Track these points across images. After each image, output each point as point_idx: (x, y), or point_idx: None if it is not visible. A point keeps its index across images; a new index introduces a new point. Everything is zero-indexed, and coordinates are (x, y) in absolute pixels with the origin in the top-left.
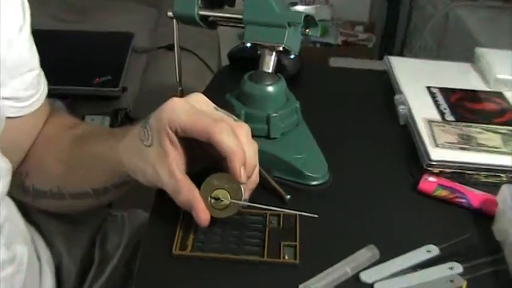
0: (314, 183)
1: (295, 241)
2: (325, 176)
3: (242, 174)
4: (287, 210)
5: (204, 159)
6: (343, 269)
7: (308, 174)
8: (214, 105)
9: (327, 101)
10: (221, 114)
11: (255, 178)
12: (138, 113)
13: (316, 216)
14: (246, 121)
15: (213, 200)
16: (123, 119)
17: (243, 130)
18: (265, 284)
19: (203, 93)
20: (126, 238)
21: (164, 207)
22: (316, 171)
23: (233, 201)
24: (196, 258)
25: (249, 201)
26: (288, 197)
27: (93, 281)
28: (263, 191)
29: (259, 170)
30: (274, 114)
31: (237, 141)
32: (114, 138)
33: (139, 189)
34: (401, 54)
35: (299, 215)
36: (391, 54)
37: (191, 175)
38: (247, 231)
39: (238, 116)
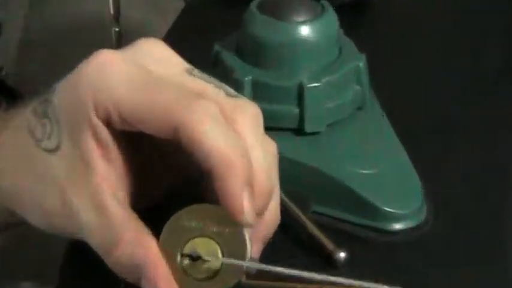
0: (397, 226)
1: None
2: (418, 212)
3: (245, 205)
4: (342, 281)
5: (169, 177)
6: None
7: (385, 209)
8: (187, 64)
9: (421, 54)
10: (201, 83)
11: (273, 215)
12: (25, 80)
13: None
14: (254, 98)
15: (186, 261)
16: None
17: (246, 116)
18: None
19: (164, 39)
20: None
21: (82, 278)
22: (402, 204)
23: (228, 261)
24: None
25: (262, 263)
26: (343, 254)
27: None
28: (292, 242)
29: (282, 199)
30: (312, 84)
31: (235, 139)
32: None
33: (29, 240)
34: None
35: None
36: None
37: (142, 211)
38: None
39: (237, 87)
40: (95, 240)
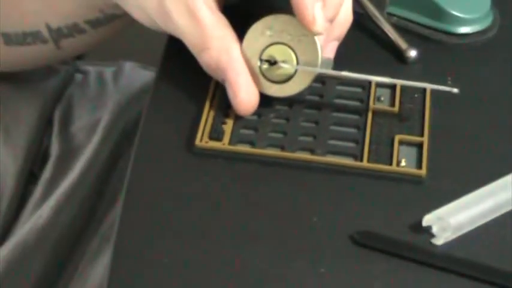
0: (464, 30)
1: (422, 135)
2: (486, 17)
3: (317, 15)
4: (408, 83)
5: None
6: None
7: (453, 13)
8: None
9: None
10: None
11: (346, 16)
12: None
13: (456, 91)
14: None
15: (265, 65)
16: None
17: None
18: (362, 209)
19: None
20: (109, 113)
21: (181, 67)
22: (470, 8)
23: (301, 68)
24: (236, 157)
25: (336, 65)
26: (413, 53)
27: (44, 195)
28: (367, 39)
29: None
30: None
31: None
32: None
33: (135, 30)
34: None
35: (432, 89)
36: None
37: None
38: (333, 111)
39: None
40: (187, 42)
